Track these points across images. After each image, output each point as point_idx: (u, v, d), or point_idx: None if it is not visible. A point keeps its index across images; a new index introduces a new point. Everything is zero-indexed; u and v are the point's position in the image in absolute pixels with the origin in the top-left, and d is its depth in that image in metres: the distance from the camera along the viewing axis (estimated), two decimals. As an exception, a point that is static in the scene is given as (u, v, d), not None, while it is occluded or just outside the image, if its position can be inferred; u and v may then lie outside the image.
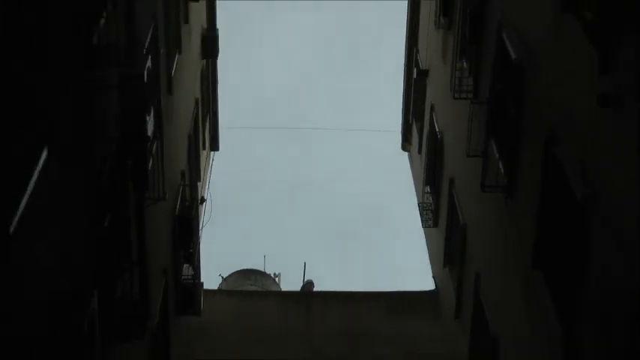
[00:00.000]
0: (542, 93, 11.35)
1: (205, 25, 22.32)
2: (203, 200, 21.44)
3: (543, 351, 10.84)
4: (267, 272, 26.42)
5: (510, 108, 12.74)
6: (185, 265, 17.49)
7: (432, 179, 20.59)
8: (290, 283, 26.95)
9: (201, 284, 18.45)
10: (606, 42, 8.70)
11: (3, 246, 6.42)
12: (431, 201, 20.49)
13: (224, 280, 24.65)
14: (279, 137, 69.39)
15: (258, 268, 26.11)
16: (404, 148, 26.15)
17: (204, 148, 23.04)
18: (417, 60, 23.83)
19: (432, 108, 20.90)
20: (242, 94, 59.46)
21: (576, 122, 9.77)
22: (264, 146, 51.03)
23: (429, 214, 20.57)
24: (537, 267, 11.11)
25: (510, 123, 12.72)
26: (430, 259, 20.86)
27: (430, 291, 20.14)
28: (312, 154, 69.04)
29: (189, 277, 17.68)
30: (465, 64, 16.22)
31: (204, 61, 22.59)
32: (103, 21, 9.97)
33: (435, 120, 20.45)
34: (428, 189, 20.96)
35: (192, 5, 18.96)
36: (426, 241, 21.36)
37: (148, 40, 13.09)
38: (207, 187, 23.17)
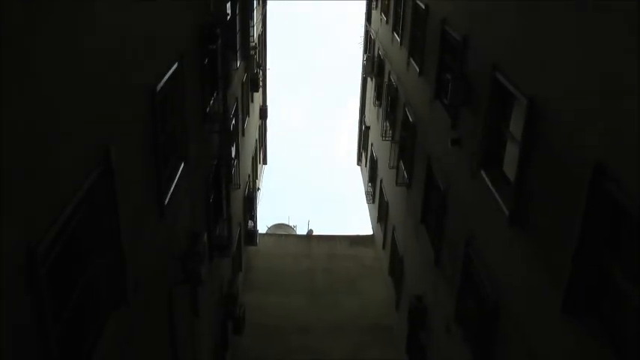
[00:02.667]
0: (424, 139, 11.37)
1: (261, 103, 22.23)
2: (258, 189, 21.40)
3: (423, 261, 10.90)
4: (290, 224, 25.97)
5: (409, 145, 12.75)
6: (249, 221, 17.38)
7: (372, 179, 20.59)
8: (301, 230, 26.44)
9: (257, 230, 18.28)
10: (454, 113, 8.94)
11: (161, 209, 6.54)
12: (371, 190, 20.45)
13: (268, 228, 24.30)
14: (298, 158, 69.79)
15: (285, 223, 25.73)
16: (358, 163, 26.19)
17: (259, 163, 22.85)
18: (364, 121, 23.85)
19: (372, 144, 20.88)
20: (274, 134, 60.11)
21: (441, 153, 9.85)
22: (288, 161, 52.02)
23: (370, 197, 20.54)
24: (422, 222, 11.20)
25: (409, 152, 12.74)
26: (370, 219, 20.81)
27: (370, 235, 20.13)
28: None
29: (252, 226, 17.52)
30: (387, 123, 16.23)
31: (260, 120, 22.45)
32: (212, 101, 10.11)
33: (373, 150, 20.45)
34: (370, 184, 20.95)
35: (255, 94, 19.00)
36: (369, 210, 21.36)
37: (233, 110, 13.13)
38: (261, 182, 23.13)
